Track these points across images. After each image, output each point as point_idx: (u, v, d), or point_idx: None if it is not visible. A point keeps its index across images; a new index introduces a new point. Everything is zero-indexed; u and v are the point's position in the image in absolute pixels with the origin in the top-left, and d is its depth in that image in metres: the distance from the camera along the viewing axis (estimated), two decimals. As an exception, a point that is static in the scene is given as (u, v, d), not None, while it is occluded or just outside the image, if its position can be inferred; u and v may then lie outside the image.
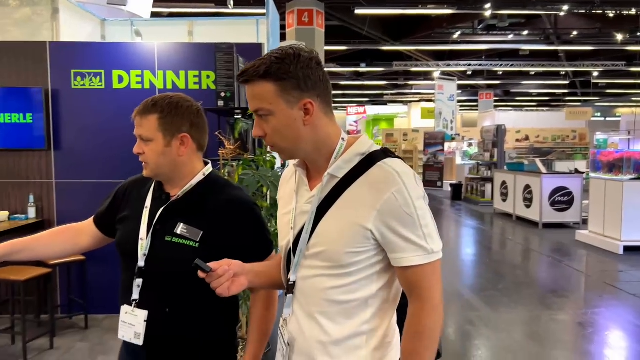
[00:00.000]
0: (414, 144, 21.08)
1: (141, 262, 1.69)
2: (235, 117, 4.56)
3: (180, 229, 1.68)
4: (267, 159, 3.89)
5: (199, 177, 1.76)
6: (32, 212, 5.20)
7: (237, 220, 1.72)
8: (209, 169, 1.81)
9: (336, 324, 1.37)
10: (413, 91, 26.70)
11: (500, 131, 14.40)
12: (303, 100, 1.34)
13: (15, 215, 5.18)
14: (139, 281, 1.69)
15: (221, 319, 1.76)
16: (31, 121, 5.12)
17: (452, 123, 19.42)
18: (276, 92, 1.32)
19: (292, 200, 1.47)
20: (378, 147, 1.41)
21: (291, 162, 1.52)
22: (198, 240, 1.66)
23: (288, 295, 1.44)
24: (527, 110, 31.76)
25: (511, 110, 29.57)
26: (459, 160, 19.19)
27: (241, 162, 3.94)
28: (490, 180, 14.11)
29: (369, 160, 1.36)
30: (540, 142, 22.62)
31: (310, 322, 1.39)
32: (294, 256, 1.42)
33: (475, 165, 15.64)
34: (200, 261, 1.40)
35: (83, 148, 5.23)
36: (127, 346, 1.76)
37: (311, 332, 1.39)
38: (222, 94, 4.52)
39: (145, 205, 1.77)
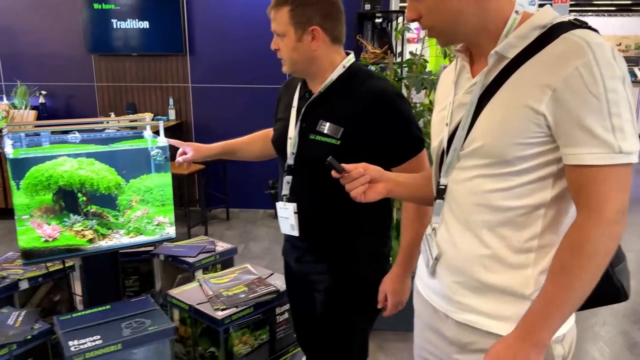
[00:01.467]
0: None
1: (290, 160, 1.73)
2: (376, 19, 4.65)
3: (321, 126, 1.64)
4: (419, 61, 4.00)
5: (339, 70, 1.67)
6: (172, 114, 5.61)
7: (378, 113, 1.60)
8: (349, 60, 1.70)
9: (497, 236, 1.14)
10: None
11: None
12: None
13: (158, 117, 5.61)
14: (288, 178, 1.74)
15: (370, 221, 1.75)
16: (168, 26, 5.37)
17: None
18: None
19: (450, 94, 1.26)
20: (565, 18, 1.09)
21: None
22: (339, 137, 1.60)
23: (437, 202, 1.27)
24: (607, 15, 29.46)
25: (590, 15, 27.52)
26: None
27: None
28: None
29: (551, 33, 1.06)
30: (623, 50, 21.30)
31: (465, 232, 1.19)
32: (447, 156, 1.22)
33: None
34: (333, 160, 1.28)
35: (217, 52, 5.49)
36: (288, 240, 1.87)
37: (465, 244, 1.19)
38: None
39: (293, 105, 1.77)
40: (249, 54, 5.34)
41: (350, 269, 1.75)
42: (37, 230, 1.94)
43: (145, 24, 5.39)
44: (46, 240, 1.94)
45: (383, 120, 1.61)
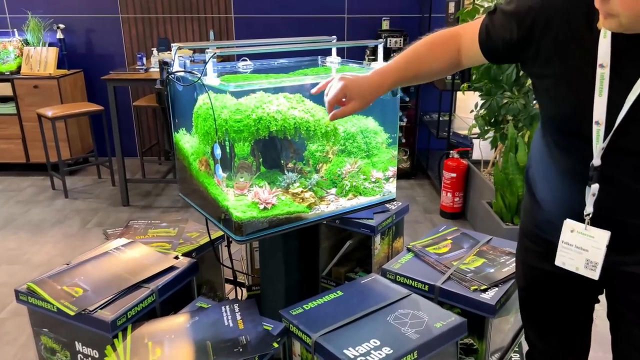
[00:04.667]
0: None
1: (597, 160, 1.07)
2: None
3: None
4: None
5: None
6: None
7: None
8: None
9: None
10: None
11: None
12: None
13: (197, 54, 4.90)
14: (594, 188, 1.09)
15: None
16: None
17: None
18: None
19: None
20: None
21: None
22: None
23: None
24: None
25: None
26: None
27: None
28: None
29: None
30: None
31: None
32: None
33: None
34: None
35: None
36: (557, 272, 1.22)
37: None
38: None
39: (600, 63, 1.02)
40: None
41: None
42: (247, 195, 1.39)
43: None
44: (265, 208, 1.39)
45: None
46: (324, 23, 4.82)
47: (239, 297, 2.05)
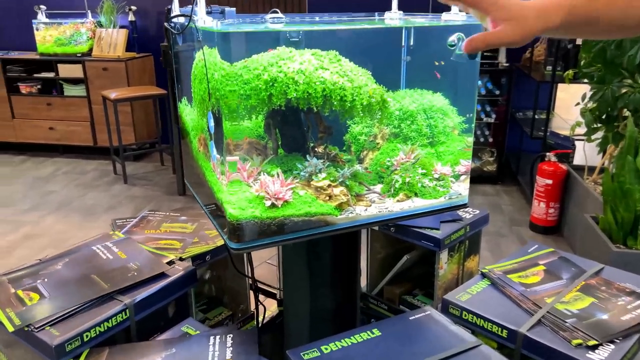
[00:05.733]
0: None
1: None
2: None
3: None
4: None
5: None
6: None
7: None
8: None
9: None
10: None
11: None
12: None
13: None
14: None
15: None
16: None
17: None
18: None
19: None
20: None
21: None
22: None
23: None
24: None
25: None
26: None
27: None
28: None
29: None
30: None
31: None
32: None
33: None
34: None
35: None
36: None
37: None
38: None
39: None
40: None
41: None
42: (251, 185, 1.00)
43: None
44: (273, 205, 0.99)
45: None
46: None
47: (264, 311, 1.67)
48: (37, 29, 4.59)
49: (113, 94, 3.96)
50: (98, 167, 4.49)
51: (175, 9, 1.14)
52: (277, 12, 1.27)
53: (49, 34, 4.57)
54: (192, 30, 1.03)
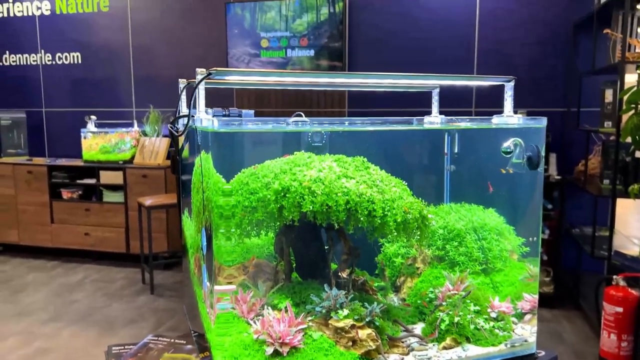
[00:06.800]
0: None
1: None
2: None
3: None
4: None
5: None
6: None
7: None
8: None
9: None
10: None
11: None
12: None
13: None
14: None
15: None
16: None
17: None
18: None
19: None
20: None
21: None
22: None
23: None
24: None
25: None
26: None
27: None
28: None
29: None
30: None
31: None
32: None
33: None
34: None
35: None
36: None
37: None
38: None
39: None
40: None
41: None
42: (250, 322, 0.77)
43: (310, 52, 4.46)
44: (277, 353, 0.75)
45: None
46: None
47: None
48: (85, 137, 4.74)
49: (148, 201, 3.91)
50: (128, 275, 4.34)
51: (183, 108, 1.01)
52: (301, 116, 1.12)
53: (95, 142, 4.70)
54: (192, 132, 0.88)
